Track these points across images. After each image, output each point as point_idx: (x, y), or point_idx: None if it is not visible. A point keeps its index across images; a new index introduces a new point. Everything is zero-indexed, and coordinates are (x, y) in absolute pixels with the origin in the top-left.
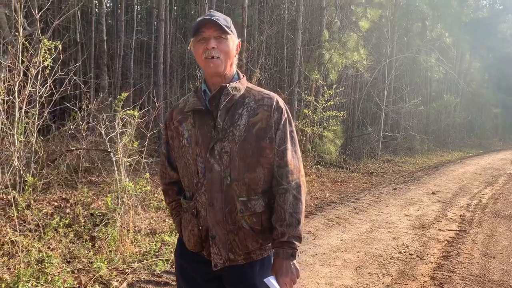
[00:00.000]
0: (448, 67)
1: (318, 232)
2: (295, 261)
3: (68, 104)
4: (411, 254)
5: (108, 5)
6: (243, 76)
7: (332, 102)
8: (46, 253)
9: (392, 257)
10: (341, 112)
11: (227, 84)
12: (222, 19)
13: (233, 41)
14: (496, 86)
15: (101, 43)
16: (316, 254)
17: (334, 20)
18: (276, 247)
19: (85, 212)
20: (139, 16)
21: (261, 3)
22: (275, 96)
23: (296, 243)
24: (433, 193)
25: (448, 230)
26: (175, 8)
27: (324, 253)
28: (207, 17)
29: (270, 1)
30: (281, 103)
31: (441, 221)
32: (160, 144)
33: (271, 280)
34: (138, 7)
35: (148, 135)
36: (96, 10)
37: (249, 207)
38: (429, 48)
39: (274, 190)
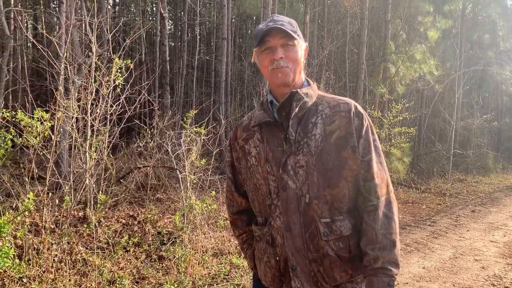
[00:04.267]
0: None
1: None
2: None
3: (138, 122)
4: (507, 287)
5: (169, 27)
6: (314, 82)
7: (401, 118)
8: (117, 273)
9: None
10: (411, 128)
11: (298, 90)
12: (287, 23)
13: (301, 46)
14: None
15: (164, 63)
16: (397, 284)
17: (399, 32)
18: (369, 275)
19: (152, 230)
20: (199, 36)
21: (321, 18)
22: (352, 101)
23: (393, 269)
24: None
25: None
26: (232, 28)
27: (407, 283)
28: (271, 23)
29: (331, 17)
30: (360, 108)
31: None
32: (224, 164)
33: None
34: (198, 28)
35: (214, 152)
36: (159, 32)
37: (334, 229)
38: (503, 60)
39: (361, 208)
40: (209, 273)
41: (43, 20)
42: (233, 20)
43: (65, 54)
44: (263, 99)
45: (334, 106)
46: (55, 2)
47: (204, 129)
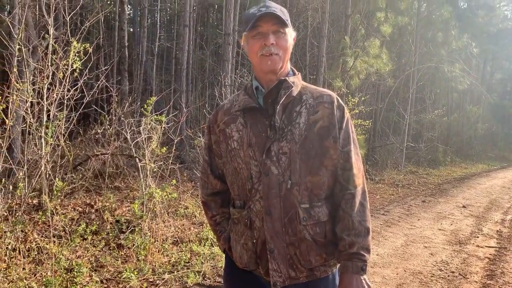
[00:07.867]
0: (472, 77)
1: None
2: (365, 276)
3: (96, 108)
4: (452, 272)
5: (128, 12)
6: (298, 72)
7: (357, 111)
8: (75, 261)
9: (433, 274)
10: (367, 121)
11: (286, 78)
12: (279, 10)
13: (291, 35)
14: None
15: (122, 49)
16: None
17: (358, 27)
18: (344, 259)
19: (111, 218)
20: (160, 22)
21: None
22: (334, 94)
23: (366, 255)
24: (463, 206)
25: (487, 246)
26: (194, 15)
27: None
28: (264, 9)
29: (293, 9)
30: (341, 101)
31: (477, 237)
32: (185, 154)
33: None
34: (159, 14)
35: (175, 141)
36: (118, 17)
37: (313, 215)
38: (454, 58)
39: (338, 196)
40: (169, 260)
41: None
42: (195, 8)
43: (20, 35)
44: (246, 84)
45: (318, 97)
46: None
47: (165, 117)
